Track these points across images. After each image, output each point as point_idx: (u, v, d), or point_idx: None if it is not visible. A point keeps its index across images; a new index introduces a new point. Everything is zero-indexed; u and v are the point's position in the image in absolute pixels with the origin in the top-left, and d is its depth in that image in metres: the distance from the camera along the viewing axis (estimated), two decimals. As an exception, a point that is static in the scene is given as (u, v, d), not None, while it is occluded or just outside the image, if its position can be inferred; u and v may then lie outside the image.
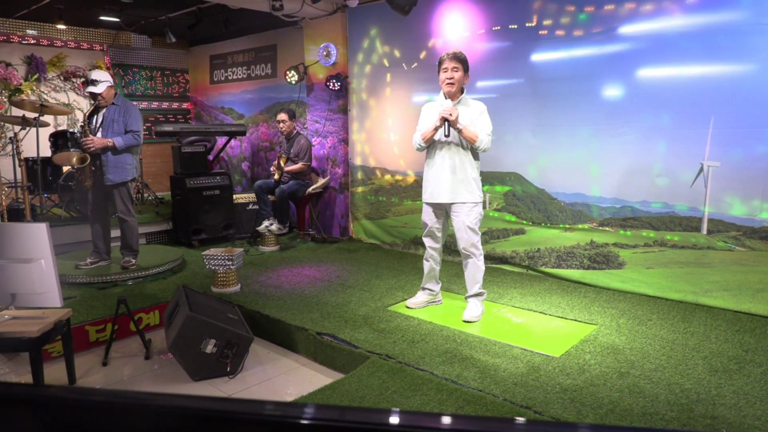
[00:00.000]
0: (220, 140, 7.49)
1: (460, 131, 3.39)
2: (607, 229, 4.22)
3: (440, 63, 3.49)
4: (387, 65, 5.59)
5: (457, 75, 3.44)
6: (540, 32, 4.42)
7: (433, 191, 3.57)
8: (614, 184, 4.17)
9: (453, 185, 3.48)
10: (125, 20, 6.97)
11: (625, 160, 4.09)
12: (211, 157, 6.85)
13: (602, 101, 4.14)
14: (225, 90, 8.14)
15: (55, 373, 3.13)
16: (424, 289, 3.87)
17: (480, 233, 3.56)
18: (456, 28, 4.97)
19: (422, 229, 3.74)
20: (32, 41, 7.13)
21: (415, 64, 5.34)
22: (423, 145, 3.56)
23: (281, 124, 5.95)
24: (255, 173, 7.72)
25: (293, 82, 6.39)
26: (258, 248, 5.69)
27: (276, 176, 5.81)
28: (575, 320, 3.54)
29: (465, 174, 3.46)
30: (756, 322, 3.43)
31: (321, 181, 6.21)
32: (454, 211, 3.52)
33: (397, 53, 5.49)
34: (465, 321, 3.51)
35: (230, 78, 7.99)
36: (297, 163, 5.84)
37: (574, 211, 4.39)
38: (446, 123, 3.38)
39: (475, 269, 3.56)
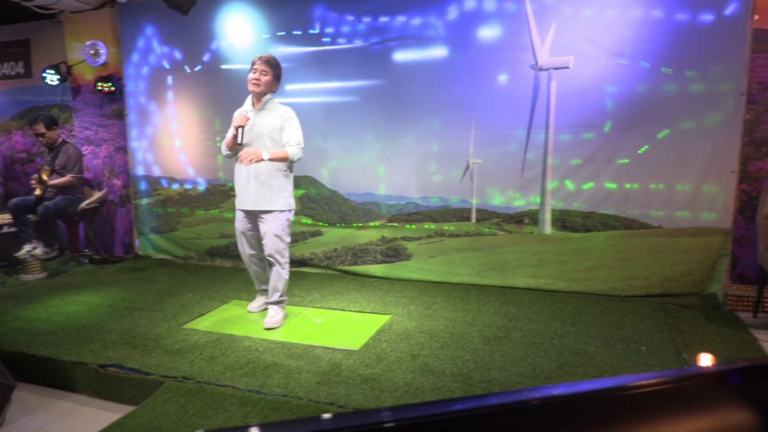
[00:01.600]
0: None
1: (270, 160, 3.31)
2: (395, 224, 4.55)
3: (252, 64, 3.43)
4: (168, 67, 5.22)
5: (264, 78, 3.38)
6: (323, 39, 4.57)
7: (240, 198, 3.51)
8: (398, 182, 4.52)
9: (258, 192, 3.41)
10: None
11: (407, 161, 4.46)
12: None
13: (382, 107, 4.45)
14: (-39, 91, 6.75)
15: None
16: (260, 291, 3.80)
17: (287, 242, 3.50)
18: (240, 32, 4.87)
19: (236, 235, 3.64)
20: None
21: (200, 66, 5.09)
22: (229, 152, 3.49)
23: (39, 138, 5.15)
24: (10, 190, 6.55)
25: (54, 83, 5.58)
26: (19, 278, 4.85)
27: (38, 192, 5.01)
28: (372, 312, 3.75)
29: (270, 181, 3.40)
30: (517, 294, 4.04)
31: (96, 195, 5.53)
32: (261, 218, 3.46)
33: (178, 55, 5.17)
34: (266, 328, 3.47)
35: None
36: (64, 176, 5.12)
37: (365, 210, 4.65)
38: (240, 130, 3.33)
39: (277, 277, 3.53)
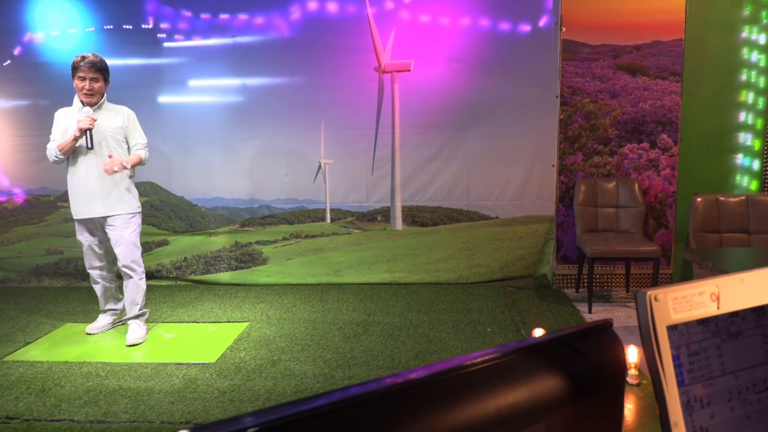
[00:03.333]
0: None
1: (127, 167, 3.16)
2: (249, 229, 4.43)
3: (75, 68, 3.07)
4: (-34, 61, 4.49)
5: (97, 85, 3.11)
6: (158, 35, 4.27)
7: (83, 206, 3.17)
8: (249, 185, 4.40)
9: (104, 196, 3.14)
10: None
11: (257, 163, 4.36)
12: None
13: (228, 107, 4.30)
14: None
15: None
16: (105, 311, 3.47)
17: (141, 247, 3.29)
18: (60, 23, 4.36)
19: (82, 250, 3.30)
20: None
21: (8, 61, 4.46)
22: (61, 157, 3.12)
23: None
24: None
25: None
26: None
27: None
28: (228, 321, 3.61)
29: (116, 183, 3.16)
30: (374, 289, 4.17)
31: None
32: (110, 224, 3.19)
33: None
34: (129, 345, 3.20)
35: None
36: None
37: (215, 216, 4.46)
38: (88, 133, 3.05)
39: (135, 289, 3.28)
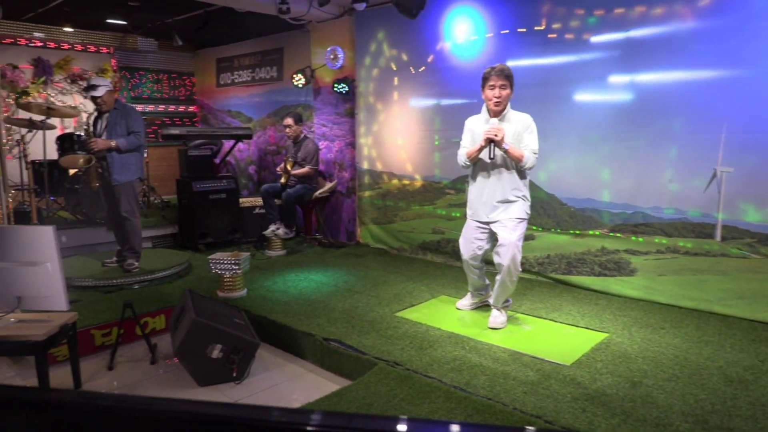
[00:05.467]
0: (227, 143, 7.53)
1: (506, 151, 3.30)
2: (618, 235, 4.19)
3: (486, 79, 3.35)
4: (394, 69, 5.60)
5: (505, 93, 3.32)
6: (549, 36, 4.41)
7: (476, 210, 3.54)
8: (625, 189, 4.14)
9: (497, 204, 3.43)
10: (132, 23, 7.03)
11: (636, 166, 4.06)
12: (217, 161, 6.88)
13: (612, 105, 4.12)
14: (232, 93, 8.19)
15: (60, 377, 3.15)
16: (472, 293, 3.87)
17: (522, 251, 3.45)
18: (464, 32, 4.97)
19: (460, 242, 3.67)
20: (39, 44, 7.20)
21: (423, 68, 5.35)
22: (468, 163, 3.51)
23: (287, 129, 5.97)
24: (262, 177, 7.74)
25: (300, 86, 6.42)
26: (264, 253, 5.70)
27: (283, 180, 5.83)
28: (586, 328, 3.52)
29: (509, 193, 3.41)
30: (772, 331, 3.39)
31: (328, 185, 6.22)
32: (500, 225, 3.43)
33: (404, 57, 5.50)
34: (490, 327, 3.50)
35: (237, 81, 8.04)
36: (304, 167, 5.86)
37: (584, 217, 4.37)
38: (491, 144, 3.30)
39: (510, 285, 3.46)
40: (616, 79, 4.10)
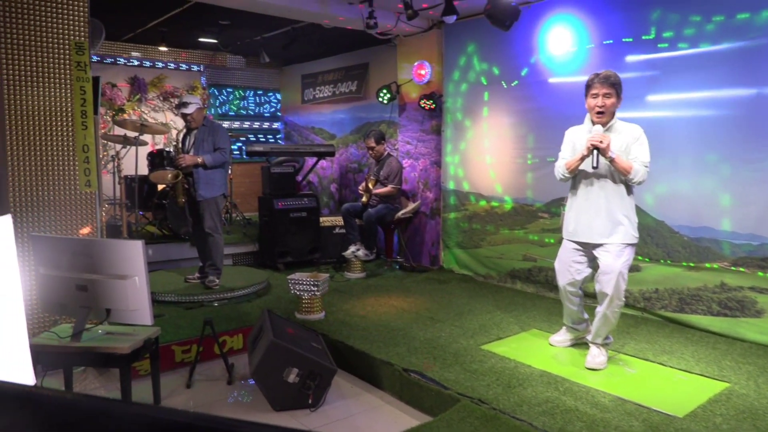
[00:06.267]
0: (309, 161, 7.78)
1: (611, 161, 3.13)
2: (741, 269, 3.86)
3: (588, 87, 3.25)
4: (485, 83, 5.55)
5: (609, 102, 3.19)
6: (659, 45, 4.20)
7: (576, 229, 3.38)
8: (750, 217, 3.81)
9: (600, 224, 3.25)
10: (222, 41, 7.50)
11: (763, 191, 3.73)
12: (299, 178, 7.12)
13: (734, 122, 3.83)
14: (315, 109, 8.48)
15: (141, 392, 3.33)
16: (568, 327, 3.72)
17: (627, 280, 3.28)
18: (562, 43, 4.85)
19: (556, 267, 3.55)
20: (136, 63, 7.87)
21: (516, 82, 5.27)
22: (567, 175, 3.36)
23: (370, 151, 6.11)
24: (343, 195, 7.92)
25: (385, 102, 6.52)
26: (344, 274, 5.79)
27: (364, 199, 5.92)
28: (702, 375, 3.24)
29: (615, 211, 3.23)
30: None
31: (411, 206, 6.24)
32: (603, 251, 3.26)
33: (496, 70, 5.45)
34: (588, 368, 3.32)
35: (321, 97, 8.32)
36: (386, 186, 5.92)
37: (700, 248, 4.07)
38: (595, 152, 3.15)
39: (612, 319, 3.31)
40: (739, 92, 3.82)
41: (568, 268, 3.46)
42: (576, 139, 3.39)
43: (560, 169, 3.40)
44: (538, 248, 5.14)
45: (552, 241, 4.97)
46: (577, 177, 3.36)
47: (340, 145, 7.91)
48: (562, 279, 3.50)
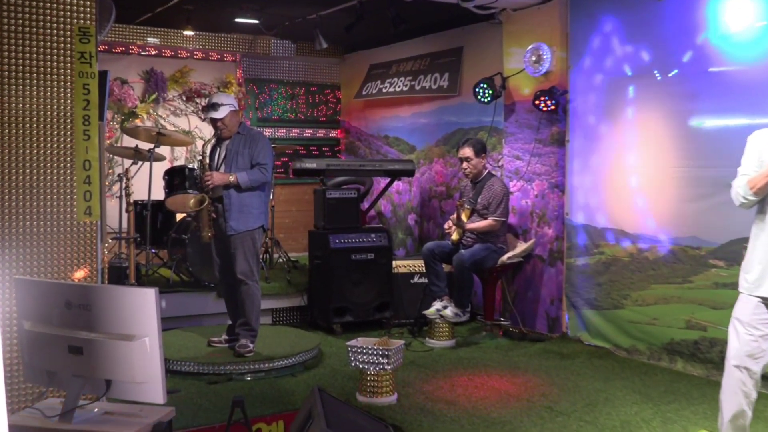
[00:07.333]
0: (379, 182, 7.85)
1: None
2: None
3: None
4: (629, 74, 5.48)
5: None
6: None
7: (763, 278, 3.31)
8: None
9: None
10: (265, 22, 7.75)
11: None
12: (365, 206, 7.20)
13: None
14: (389, 112, 8.60)
15: (147, 496, 3.40)
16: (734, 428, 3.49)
17: None
18: (742, 16, 4.70)
19: (730, 333, 3.45)
20: (153, 52, 8.28)
21: (675, 71, 5.16)
22: (751, 198, 3.29)
23: (465, 164, 6.05)
24: (425, 231, 7.92)
25: (486, 100, 6.51)
26: (425, 341, 5.77)
27: (454, 236, 5.90)
28: None
29: None
30: None
31: (521, 247, 6.16)
32: None
33: (645, 56, 5.36)
34: None
35: (394, 92, 8.32)
36: (486, 218, 5.89)
37: None
38: None
39: None
40: None
41: (747, 332, 3.29)
42: (764, 148, 3.27)
43: (741, 188, 3.27)
44: (709, 311, 4.93)
45: (730, 300, 4.75)
46: (765, 201, 3.24)
47: (421, 160, 7.97)
48: (737, 350, 3.33)
